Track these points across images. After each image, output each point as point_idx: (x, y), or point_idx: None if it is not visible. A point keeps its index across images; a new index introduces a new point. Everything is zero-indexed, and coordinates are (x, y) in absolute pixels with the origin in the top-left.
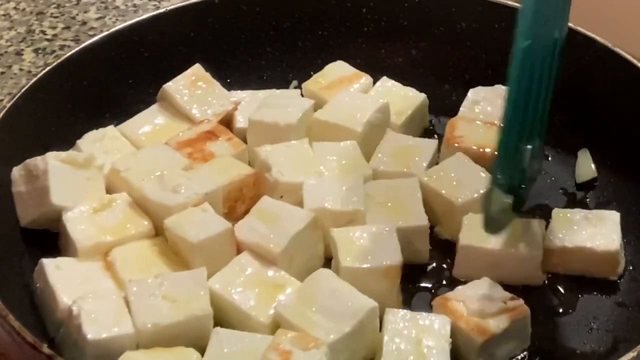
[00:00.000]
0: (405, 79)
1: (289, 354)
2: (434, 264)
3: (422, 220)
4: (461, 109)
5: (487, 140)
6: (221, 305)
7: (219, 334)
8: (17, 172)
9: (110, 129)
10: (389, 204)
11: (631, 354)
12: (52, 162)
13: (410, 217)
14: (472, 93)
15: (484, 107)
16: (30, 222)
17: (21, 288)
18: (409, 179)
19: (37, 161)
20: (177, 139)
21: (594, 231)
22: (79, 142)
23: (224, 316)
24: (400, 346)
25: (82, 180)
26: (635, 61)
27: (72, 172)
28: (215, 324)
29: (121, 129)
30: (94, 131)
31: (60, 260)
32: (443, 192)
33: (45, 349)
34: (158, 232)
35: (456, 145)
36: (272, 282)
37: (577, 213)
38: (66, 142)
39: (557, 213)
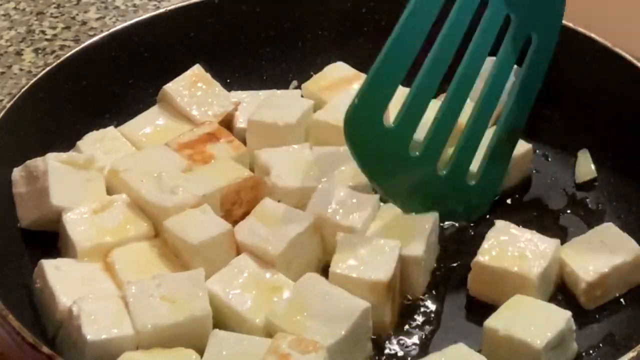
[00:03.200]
0: (404, 79)
1: (287, 357)
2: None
3: (417, 251)
4: None
5: None
6: (218, 307)
7: (218, 336)
8: (17, 173)
9: (111, 129)
10: (397, 229)
11: (631, 354)
12: (52, 163)
13: (408, 246)
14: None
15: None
16: (30, 223)
17: (21, 288)
18: (432, 214)
19: (37, 162)
20: (177, 141)
21: (609, 248)
22: (79, 143)
23: (221, 317)
24: None
25: (82, 181)
26: (635, 61)
27: (72, 173)
28: (213, 326)
29: (122, 130)
30: (94, 132)
31: (59, 261)
32: None
33: (45, 349)
34: (157, 233)
35: None
36: (270, 285)
37: (582, 242)
38: (66, 142)
39: (564, 249)
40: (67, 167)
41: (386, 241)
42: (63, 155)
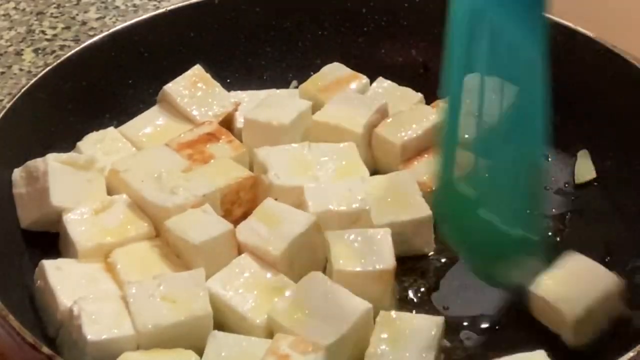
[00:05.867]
0: (405, 79)
1: (287, 357)
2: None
3: (425, 211)
4: None
5: None
6: (218, 307)
7: (217, 337)
8: (17, 173)
9: (111, 130)
10: (389, 199)
11: (631, 354)
12: (52, 163)
13: (413, 210)
14: (468, 80)
15: (473, 98)
16: (30, 223)
17: (21, 288)
18: (403, 172)
19: (37, 162)
20: (177, 141)
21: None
22: (79, 143)
23: (221, 317)
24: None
25: (82, 182)
26: (635, 61)
27: (72, 174)
28: (214, 326)
29: (122, 130)
30: (95, 133)
31: (60, 261)
32: None
33: (45, 349)
34: (158, 233)
35: None
36: (271, 285)
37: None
38: (66, 142)
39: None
40: (68, 168)
41: (374, 230)
42: (63, 156)
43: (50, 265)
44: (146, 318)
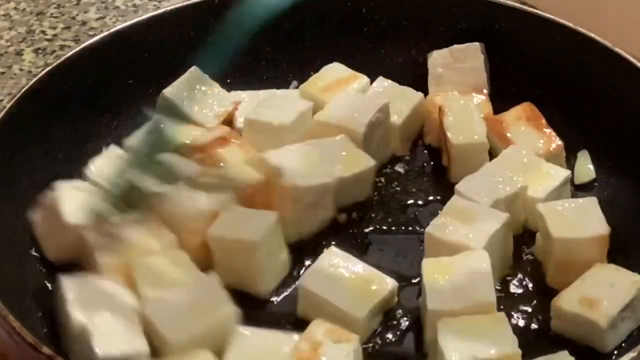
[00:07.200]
0: (405, 79)
1: (319, 344)
2: None
3: (371, 162)
4: (430, 86)
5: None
6: (313, 302)
7: (242, 332)
8: (35, 215)
9: (113, 149)
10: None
11: (631, 354)
12: (62, 188)
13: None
14: (431, 65)
15: (450, 77)
16: (55, 251)
17: (21, 288)
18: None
19: (47, 195)
20: (188, 145)
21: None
22: (86, 171)
23: (317, 313)
24: None
25: None
26: (635, 61)
27: (83, 193)
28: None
29: (127, 144)
30: (99, 157)
31: (78, 275)
32: None
33: (45, 349)
34: (179, 245)
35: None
36: (362, 279)
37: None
38: (66, 142)
39: None
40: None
41: (583, 199)
42: (71, 184)
43: (67, 280)
44: (177, 331)
